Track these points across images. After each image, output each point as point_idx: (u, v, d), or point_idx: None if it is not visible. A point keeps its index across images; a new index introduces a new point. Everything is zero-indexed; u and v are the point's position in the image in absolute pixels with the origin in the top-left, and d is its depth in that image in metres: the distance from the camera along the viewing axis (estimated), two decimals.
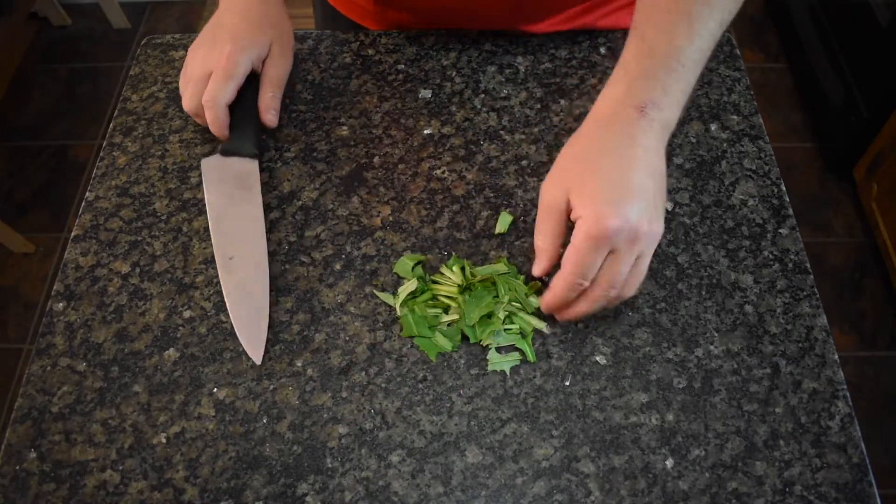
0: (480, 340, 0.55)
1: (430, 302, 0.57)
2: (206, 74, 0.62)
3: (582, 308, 0.53)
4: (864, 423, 0.53)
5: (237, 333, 0.55)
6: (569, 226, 0.52)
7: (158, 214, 0.63)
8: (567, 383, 0.54)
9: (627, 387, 0.53)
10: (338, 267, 0.60)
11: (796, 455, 0.50)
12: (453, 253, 0.60)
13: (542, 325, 0.56)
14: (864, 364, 1.51)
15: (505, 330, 0.55)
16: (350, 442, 0.52)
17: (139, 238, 0.62)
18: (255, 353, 0.54)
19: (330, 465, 0.51)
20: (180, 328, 0.57)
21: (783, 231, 0.61)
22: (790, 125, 1.87)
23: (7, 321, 1.63)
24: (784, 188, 0.63)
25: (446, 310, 0.57)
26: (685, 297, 0.57)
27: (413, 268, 0.58)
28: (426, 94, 0.70)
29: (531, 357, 0.54)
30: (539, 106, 0.69)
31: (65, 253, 0.62)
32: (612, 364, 0.54)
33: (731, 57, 0.72)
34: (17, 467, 0.52)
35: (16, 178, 1.86)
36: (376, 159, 0.66)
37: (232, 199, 0.61)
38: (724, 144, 0.66)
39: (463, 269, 0.58)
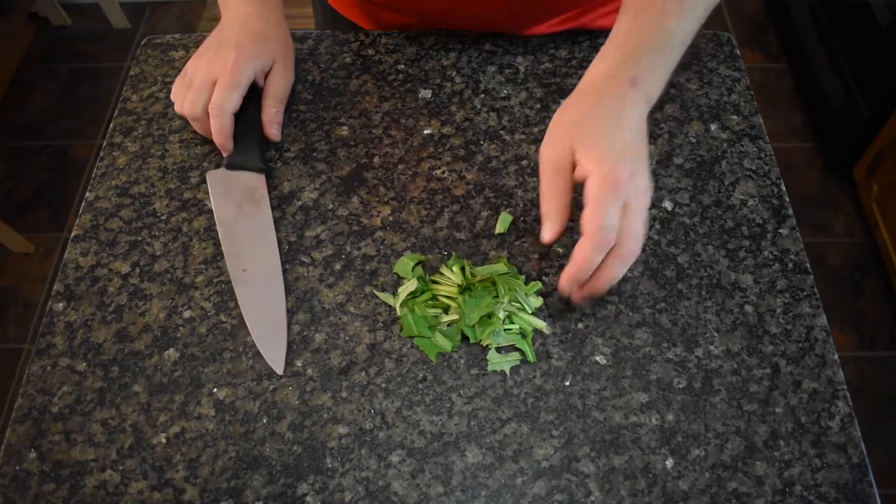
0: (480, 340, 0.55)
1: (430, 302, 0.57)
2: (211, 81, 0.62)
3: (610, 272, 0.51)
4: (864, 423, 0.53)
5: (258, 346, 0.55)
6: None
7: (158, 214, 0.63)
8: (567, 383, 0.54)
9: (627, 387, 0.53)
10: (338, 267, 0.60)
11: (796, 455, 0.50)
12: (453, 253, 0.60)
13: (542, 325, 0.56)
14: (864, 364, 1.51)
15: (505, 330, 0.55)
16: (350, 442, 0.52)
17: (139, 238, 0.62)
18: (277, 365, 0.55)
19: (330, 465, 0.51)
20: (180, 328, 0.57)
21: (783, 231, 0.61)
22: (790, 125, 1.87)
23: (7, 321, 1.63)
24: (784, 188, 0.63)
25: (446, 310, 0.57)
26: (685, 297, 0.57)
27: (413, 268, 0.58)
28: (426, 94, 0.70)
29: (531, 357, 0.54)
30: (539, 106, 0.69)
31: (65, 253, 0.62)
32: (612, 364, 0.54)
33: (731, 57, 0.72)
34: (17, 467, 0.52)
35: (16, 178, 1.86)
36: (376, 159, 0.66)
37: (241, 212, 0.61)
38: (724, 144, 0.66)
39: (463, 269, 0.58)
